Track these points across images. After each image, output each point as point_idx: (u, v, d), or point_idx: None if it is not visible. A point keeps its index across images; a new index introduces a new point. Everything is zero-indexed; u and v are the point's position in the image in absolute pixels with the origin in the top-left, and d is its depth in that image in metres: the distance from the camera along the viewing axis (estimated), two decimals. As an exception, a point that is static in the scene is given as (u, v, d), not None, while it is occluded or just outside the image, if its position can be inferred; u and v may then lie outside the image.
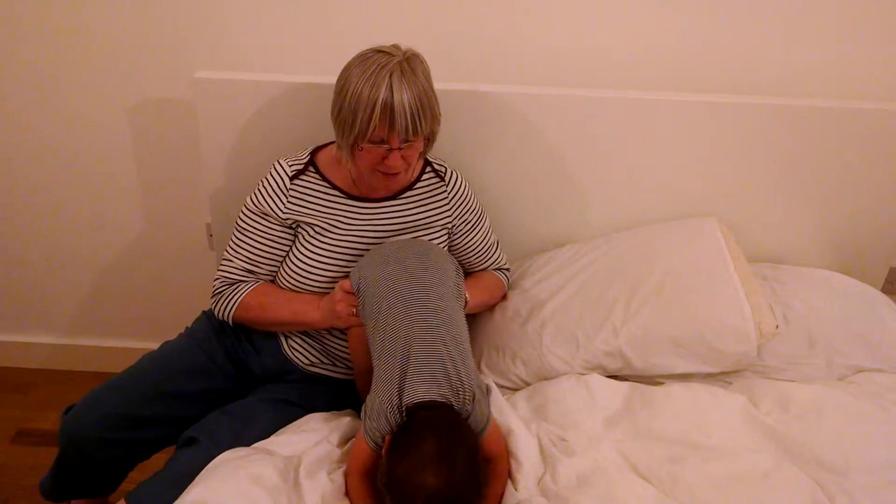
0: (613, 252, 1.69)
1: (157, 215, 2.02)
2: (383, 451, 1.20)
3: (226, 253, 1.52)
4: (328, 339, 1.53)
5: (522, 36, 1.71)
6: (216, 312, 1.53)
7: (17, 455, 1.93)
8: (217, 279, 1.52)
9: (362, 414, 1.27)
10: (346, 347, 1.51)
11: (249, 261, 1.50)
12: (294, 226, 1.49)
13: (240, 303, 1.49)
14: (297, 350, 1.55)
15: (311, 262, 1.47)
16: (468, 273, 1.61)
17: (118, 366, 1.64)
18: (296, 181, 1.47)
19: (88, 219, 2.04)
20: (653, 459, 1.31)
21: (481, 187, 1.66)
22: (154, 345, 1.60)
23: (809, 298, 1.65)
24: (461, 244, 1.58)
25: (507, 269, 1.69)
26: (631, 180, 1.76)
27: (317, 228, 1.47)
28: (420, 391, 1.22)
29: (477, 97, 1.65)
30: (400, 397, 1.22)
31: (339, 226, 1.48)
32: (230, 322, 1.51)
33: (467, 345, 1.33)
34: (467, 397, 1.24)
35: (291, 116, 1.66)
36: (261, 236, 1.49)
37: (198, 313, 1.66)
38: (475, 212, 1.58)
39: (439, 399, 1.22)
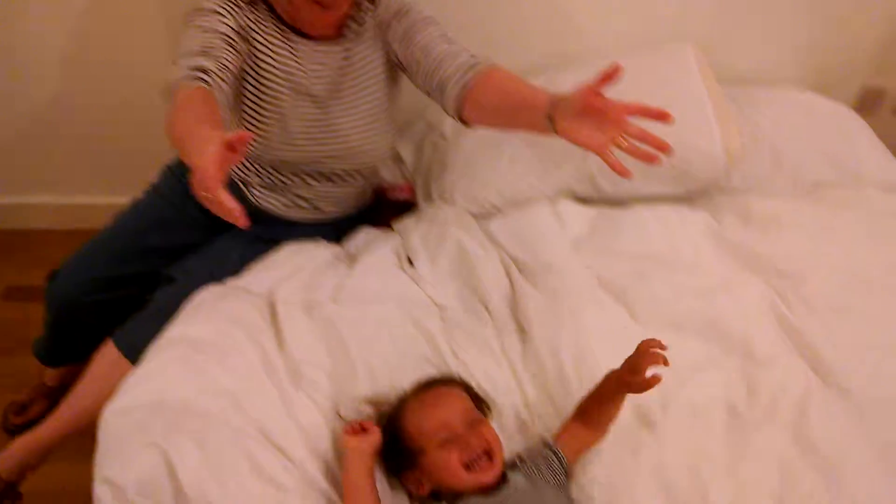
0: (584, 78, 1.64)
1: (124, 69, 1.94)
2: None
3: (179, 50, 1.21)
4: (294, 187, 1.45)
5: None
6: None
7: (10, 310, 1.99)
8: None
9: None
10: (317, 192, 1.45)
11: (203, 45, 1.20)
12: (246, 42, 1.28)
13: (181, 96, 1.11)
14: (263, 200, 1.47)
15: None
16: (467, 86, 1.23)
17: (96, 222, 1.64)
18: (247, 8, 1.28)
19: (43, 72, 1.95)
20: (617, 274, 1.36)
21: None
22: (127, 199, 1.59)
23: (778, 117, 1.66)
24: (413, 53, 1.30)
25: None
26: (597, 2, 1.70)
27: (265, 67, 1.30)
28: None
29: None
30: None
31: (296, 69, 1.32)
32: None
33: None
34: None
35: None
36: (216, 25, 1.23)
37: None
38: (409, 18, 1.32)
39: None
